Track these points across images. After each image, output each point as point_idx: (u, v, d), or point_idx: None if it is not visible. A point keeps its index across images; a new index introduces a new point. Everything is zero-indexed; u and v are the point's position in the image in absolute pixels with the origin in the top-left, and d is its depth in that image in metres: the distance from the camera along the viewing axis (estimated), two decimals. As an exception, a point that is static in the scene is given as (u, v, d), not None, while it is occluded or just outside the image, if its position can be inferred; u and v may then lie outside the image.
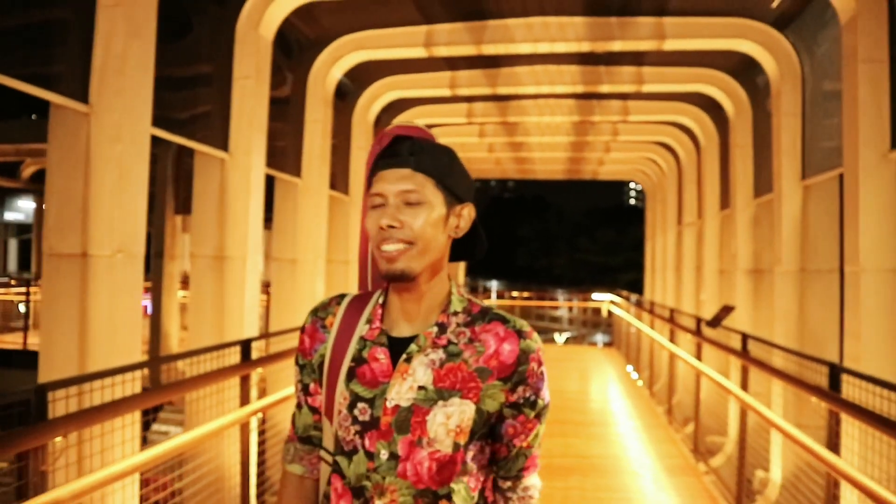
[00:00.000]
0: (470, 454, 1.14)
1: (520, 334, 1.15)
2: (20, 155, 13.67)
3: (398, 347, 1.15)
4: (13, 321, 12.52)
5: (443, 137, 10.30)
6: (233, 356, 3.49)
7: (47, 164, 3.62)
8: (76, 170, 3.45)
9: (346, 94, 7.34)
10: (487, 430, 1.16)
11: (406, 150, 1.13)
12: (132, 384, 2.74)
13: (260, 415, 3.55)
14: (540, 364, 1.15)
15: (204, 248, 4.85)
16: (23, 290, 12.38)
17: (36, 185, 15.16)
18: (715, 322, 5.58)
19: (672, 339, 7.41)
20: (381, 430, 1.11)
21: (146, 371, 4.05)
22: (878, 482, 2.59)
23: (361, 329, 1.18)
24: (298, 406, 1.25)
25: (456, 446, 1.11)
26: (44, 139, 3.65)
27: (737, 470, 4.72)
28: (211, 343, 4.06)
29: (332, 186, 6.99)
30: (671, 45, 5.95)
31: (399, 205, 1.11)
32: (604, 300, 17.10)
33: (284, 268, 6.18)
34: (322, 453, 1.21)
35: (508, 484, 1.21)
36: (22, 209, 18.10)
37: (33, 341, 10.23)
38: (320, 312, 1.24)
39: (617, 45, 6.06)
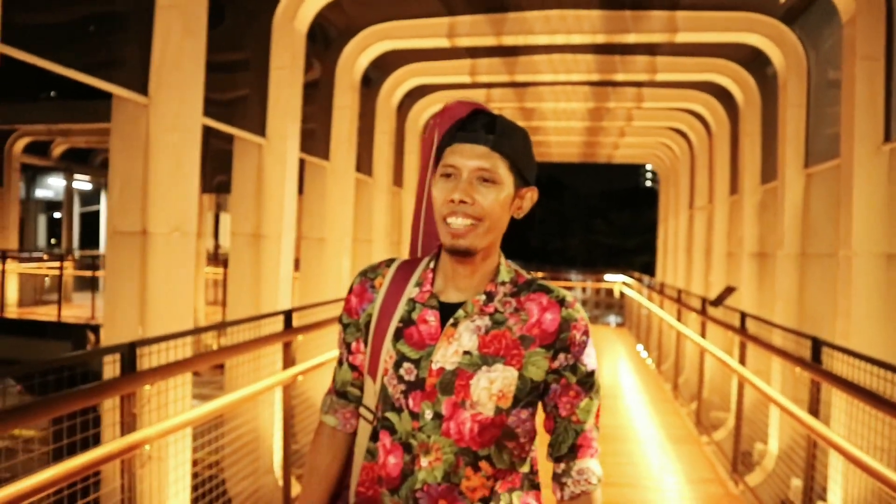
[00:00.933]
0: (513, 419, 1.15)
1: (562, 303, 1.17)
2: (51, 134, 14.20)
3: (446, 312, 1.17)
4: (45, 294, 13.08)
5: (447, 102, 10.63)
6: (276, 324, 3.90)
7: (110, 150, 4.02)
8: (137, 156, 3.84)
9: (371, 80, 7.67)
10: (535, 399, 1.17)
11: (485, 127, 1.14)
12: (183, 349, 3.12)
13: (300, 377, 3.96)
14: (583, 333, 1.17)
15: (243, 227, 5.25)
16: (55, 264, 12.94)
17: (66, 164, 15.72)
18: (717, 301, 6.07)
19: (679, 319, 7.80)
20: (425, 391, 1.14)
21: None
22: (856, 445, 2.94)
23: (411, 291, 1.21)
24: (339, 362, 1.30)
25: (498, 410, 1.13)
26: (72, 119, 4.09)
27: (734, 439, 5.10)
28: (249, 313, 4.50)
29: (358, 169, 7.36)
30: (683, 37, 6.22)
31: (472, 181, 1.13)
32: (616, 281, 17.46)
33: (313, 246, 6.60)
34: (362, 411, 1.24)
35: (563, 466, 1.18)
36: (52, 186, 18.72)
37: (67, 314, 10.82)
38: (370, 273, 1.26)
39: (631, 38, 6.34)
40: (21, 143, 13.48)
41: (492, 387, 1.13)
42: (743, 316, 4.95)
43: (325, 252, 6.56)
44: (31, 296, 12.66)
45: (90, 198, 20.09)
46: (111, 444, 2.37)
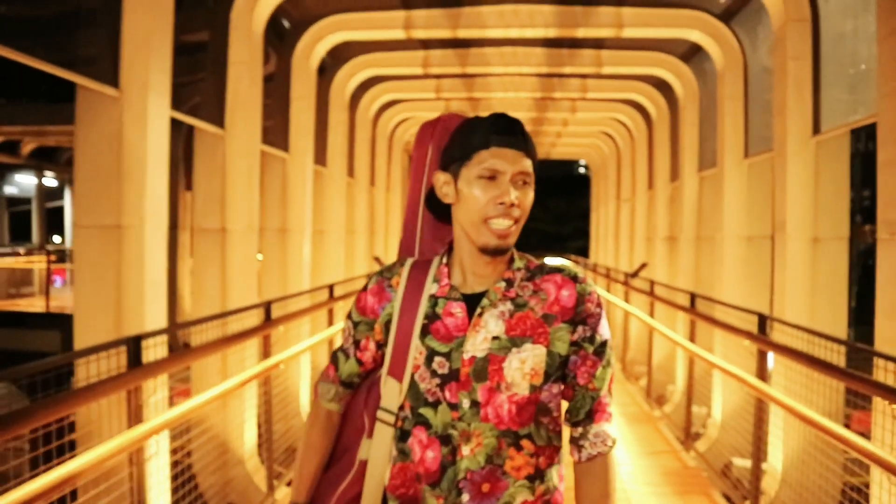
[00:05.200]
0: (545, 394, 1.20)
1: (575, 279, 1.24)
2: (25, 135, 14.28)
3: (469, 302, 1.21)
4: (21, 287, 13.23)
5: (413, 112, 10.75)
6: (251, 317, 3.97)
7: (75, 143, 3.96)
8: (109, 150, 3.81)
9: (325, 71, 7.68)
10: (561, 374, 1.22)
11: (520, 132, 1.20)
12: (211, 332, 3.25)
13: (282, 366, 4.04)
14: (597, 305, 1.23)
15: (207, 221, 5.24)
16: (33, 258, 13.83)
17: (35, 162, 15.97)
18: (634, 274, 7.56)
19: (609, 290, 9.19)
20: (460, 382, 1.17)
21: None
22: (797, 399, 3.28)
23: (430, 288, 1.24)
24: (346, 356, 1.33)
25: (532, 388, 1.18)
26: (43, 121, 4.09)
27: (685, 412, 5.48)
28: (216, 307, 4.58)
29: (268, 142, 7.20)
30: (629, 33, 6.54)
31: (516, 184, 1.18)
32: (555, 263, 18.97)
33: (274, 237, 6.59)
34: (381, 414, 1.25)
35: (580, 430, 1.23)
36: (18, 184, 18.62)
37: (55, 304, 11.27)
38: (386, 273, 1.29)
39: (580, 32, 6.61)
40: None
41: (524, 366, 1.17)
42: (692, 297, 5.31)
43: (288, 243, 6.58)
44: (3, 289, 12.80)
45: (55, 194, 19.76)
46: (120, 437, 2.42)
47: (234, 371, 3.91)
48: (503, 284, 1.21)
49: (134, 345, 2.53)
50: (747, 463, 4.21)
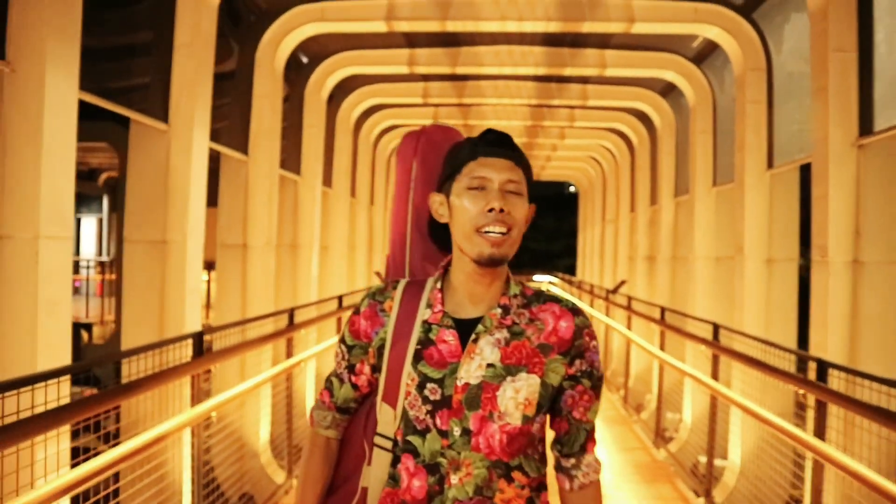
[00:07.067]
0: (536, 426, 1.18)
1: (574, 312, 1.22)
2: None
3: (461, 329, 1.19)
4: None
5: (397, 119, 10.38)
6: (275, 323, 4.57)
7: (127, 168, 4.56)
8: (157, 175, 4.41)
9: (331, 99, 8.02)
10: (550, 405, 1.20)
11: (508, 143, 1.20)
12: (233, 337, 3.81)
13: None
14: (592, 338, 1.22)
15: (230, 237, 5.82)
16: None
17: None
18: (614, 291, 8.34)
19: (592, 305, 10.03)
20: (452, 409, 1.15)
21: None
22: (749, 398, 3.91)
23: (423, 313, 1.21)
24: (340, 381, 1.30)
25: (525, 419, 1.16)
26: None
27: (656, 415, 6.10)
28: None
29: (284, 166, 6.73)
30: (611, 72, 7.24)
31: (504, 193, 1.16)
32: (543, 280, 19.54)
33: (233, 254, 5.84)
34: (378, 440, 1.22)
35: (572, 461, 1.22)
36: None
37: None
38: (378, 297, 1.26)
39: (567, 71, 7.30)
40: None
41: (518, 395, 1.15)
42: (662, 310, 5.96)
43: (249, 260, 5.89)
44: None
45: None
46: (185, 414, 3.02)
47: (251, 373, 4.50)
48: (499, 311, 1.20)
49: (198, 339, 3.13)
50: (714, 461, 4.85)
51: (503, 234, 1.15)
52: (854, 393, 2.77)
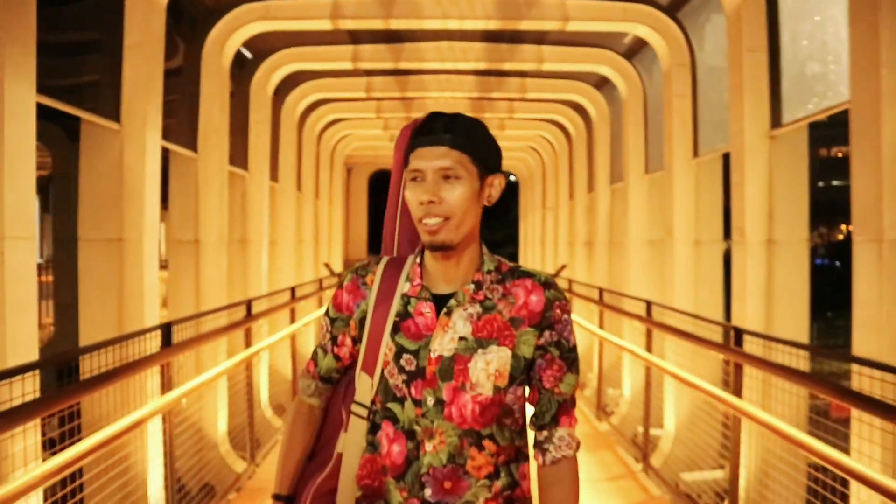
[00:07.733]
0: (510, 397, 1.23)
1: (545, 286, 1.26)
2: None
3: (438, 303, 1.24)
4: None
5: (341, 113, 10.63)
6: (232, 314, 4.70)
7: (80, 168, 4.58)
8: (111, 174, 4.47)
9: (244, 64, 7.33)
10: (525, 377, 1.25)
11: (442, 127, 1.21)
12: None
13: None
14: (564, 311, 1.26)
15: (182, 234, 5.88)
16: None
17: None
18: (555, 275, 8.73)
19: None
20: (426, 379, 1.21)
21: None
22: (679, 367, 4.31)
23: (403, 287, 1.27)
24: (324, 352, 1.36)
25: (496, 389, 1.21)
26: None
27: (597, 390, 6.51)
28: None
29: (231, 161, 6.63)
30: (548, 66, 7.59)
31: (437, 180, 1.19)
32: None
33: (184, 250, 5.91)
34: (355, 408, 1.28)
35: (544, 434, 1.26)
36: None
37: None
38: (360, 271, 1.32)
39: (507, 65, 7.61)
40: None
41: (489, 367, 1.20)
42: (601, 291, 6.36)
43: (200, 256, 5.95)
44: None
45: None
46: (158, 400, 3.16)
47: (208, 366, 4.62)
48: (472, 286, 1.25)
49: (166, 330, 3.27)
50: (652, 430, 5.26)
51: (439, 222, 1.19)
52: (771, 357, 3.17)
